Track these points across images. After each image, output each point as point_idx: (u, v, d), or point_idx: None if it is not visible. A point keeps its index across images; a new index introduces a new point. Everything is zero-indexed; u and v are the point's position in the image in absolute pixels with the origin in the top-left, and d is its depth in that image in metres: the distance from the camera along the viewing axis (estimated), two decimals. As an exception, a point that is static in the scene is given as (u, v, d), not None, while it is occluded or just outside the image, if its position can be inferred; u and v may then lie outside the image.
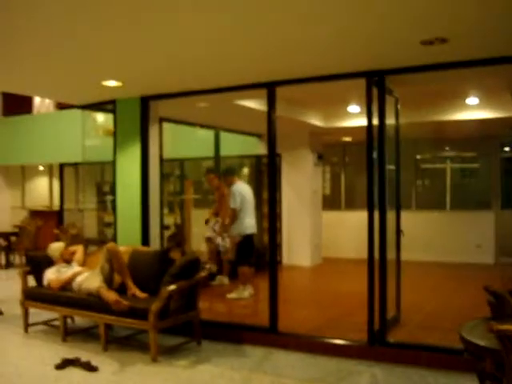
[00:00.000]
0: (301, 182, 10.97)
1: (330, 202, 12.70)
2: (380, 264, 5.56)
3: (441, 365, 5.13)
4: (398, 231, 6.12)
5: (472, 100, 8.51)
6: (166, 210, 10.02)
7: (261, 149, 10.74)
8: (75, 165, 13.75)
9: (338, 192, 13.07)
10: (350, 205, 12.62)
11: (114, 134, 7.10)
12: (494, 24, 4.16)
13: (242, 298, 7.84)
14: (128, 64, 5.44)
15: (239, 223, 7.96)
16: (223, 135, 10.59)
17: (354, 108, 9.15)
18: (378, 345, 5.54)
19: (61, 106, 13.93)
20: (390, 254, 5.98)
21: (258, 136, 11.00)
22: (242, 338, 6.10)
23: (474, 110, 8.95)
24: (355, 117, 9.63)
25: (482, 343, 3.22)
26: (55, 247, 6.84)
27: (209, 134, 10.54)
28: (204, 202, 11.25)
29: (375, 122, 5.61)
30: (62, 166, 13.88)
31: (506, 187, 11.59)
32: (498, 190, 11.65)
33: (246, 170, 12.06)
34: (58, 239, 9.93)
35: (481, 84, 7.30)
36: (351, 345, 5.65)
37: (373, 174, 5.61)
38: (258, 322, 6.37)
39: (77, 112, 8.72)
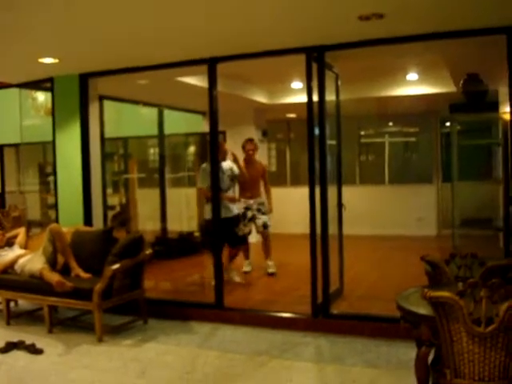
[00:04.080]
0: (246, 159, 10.97)
1: (276, 179, 12.74)
2: (322, 238, 5.65)
3: (383, 333, 5.29)
4: (340, 205, 6.23)
5: (412, 76, 8.66)
6: (110, 190, 9.89)
7: (205, 126, 10.67)
8: (16, 145, 13.39)
9: (283, 168, 13.15)
10: (296, 181, 12.71)
11: (53, 113, 6.94)
12: (428, 0, 4.23)
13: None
14: (64, 40, 5.29)
15: (206, 206, 7.22)
16: (167, 113, 10.48)
17: (297, 84, 9.18)
18: (321, 317, 5.66)
19: (-2, 85, 13.50)
20: (334, 229, 6.09)
21: (203, 113, 10.94)
22: (189, 315, 6.13)
23: (413, 85, 9.12)
24: (299, 93, 9.65)
25: (416, 310, 3.32)
26: None
27: (153, 112, 10.41)
28: (148, 181, 11.15)
29: (316, 97, 5.66)
30: (1, 147, 13.50)
31: (447, 161, 11.88)
32: (438, 164, 11.95)
33: (191, 148, 11.99)
34: (-1, 222, 9.71)
35: (419, 60, 7.43)
36: (296, 317, 5.76)
37: (314, 150, 5.67)
38: (205, 298, 6.42)
39: (14, 91, 8.47)
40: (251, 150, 7.90)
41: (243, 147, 7.96)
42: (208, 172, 6.59)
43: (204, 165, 7.23)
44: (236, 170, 7.43)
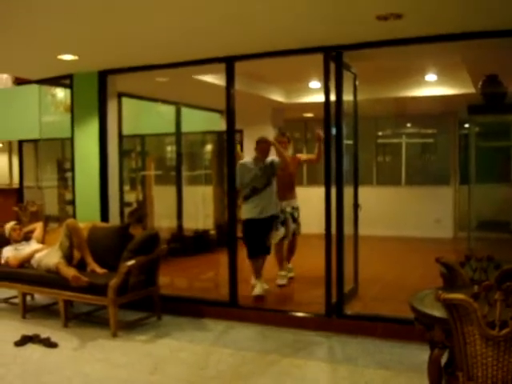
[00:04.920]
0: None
1: (293, 178, 12.70)
2: (337, 238, 5.64)
3: (396, 335, 5.26)
4: (356, 205, 6.21)
5: (430, 76, 8.60)
6: (127, 187, 9.95)
7: (223, 125, 10.68)
8: (35, 141, 13.51)
9: (300, 168, 13.07)
10: (313, 180, 12.67)
11: (72, 110, 7.00)
12: (446, 1, 4.21)
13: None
14: (84, 37, 5.32)
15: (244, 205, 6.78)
16: (185, 111, 10.52)
17: (314, 84, 9.16)
18: (335, 317, 5.65)
19: (19, 82, 13.61)
20: (350, 229, 6.08)
21: (220, 112, 10.95)
22: (203, 313, 6.16)
23: (432, 86, 9.05)
24: (316, 93, 9.61)
25: (430, 312, 3.30)
26: (7, 226, 6.76)
27: (170, 110, 10.45)
28: (165, 179, 11.19)
29: (334, 97, 5.64)
30: (20, 143, 13.63)
31: (465, 163, 11.79)
32: (456, 166, 11.85)
33: (208, 147, 12.02)
34: (17, 217, 9.81)
35: (438, 60, 7.37)
36: (309, 317, 5.76)
37: (330, 150, 5.66)
38: (219, 296, 6.44)
39: (34, 87, 8.57)
40: (283, 142, 7.10)
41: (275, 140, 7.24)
42: (246, 168, 6.60)
43: (241, 161, 6.61)
44: (277, 159, 6.79)
